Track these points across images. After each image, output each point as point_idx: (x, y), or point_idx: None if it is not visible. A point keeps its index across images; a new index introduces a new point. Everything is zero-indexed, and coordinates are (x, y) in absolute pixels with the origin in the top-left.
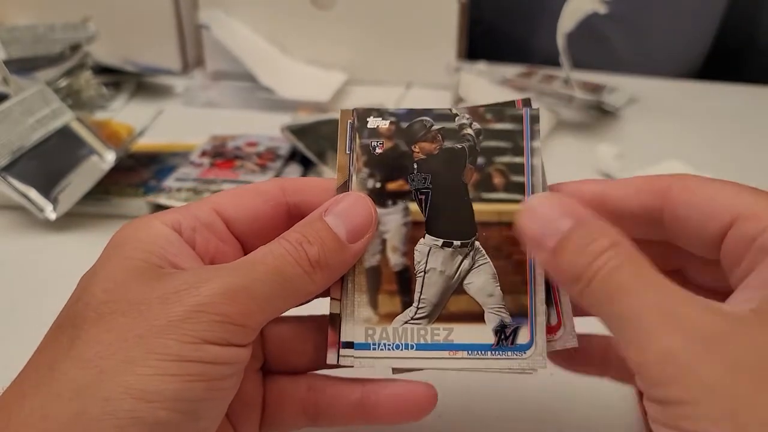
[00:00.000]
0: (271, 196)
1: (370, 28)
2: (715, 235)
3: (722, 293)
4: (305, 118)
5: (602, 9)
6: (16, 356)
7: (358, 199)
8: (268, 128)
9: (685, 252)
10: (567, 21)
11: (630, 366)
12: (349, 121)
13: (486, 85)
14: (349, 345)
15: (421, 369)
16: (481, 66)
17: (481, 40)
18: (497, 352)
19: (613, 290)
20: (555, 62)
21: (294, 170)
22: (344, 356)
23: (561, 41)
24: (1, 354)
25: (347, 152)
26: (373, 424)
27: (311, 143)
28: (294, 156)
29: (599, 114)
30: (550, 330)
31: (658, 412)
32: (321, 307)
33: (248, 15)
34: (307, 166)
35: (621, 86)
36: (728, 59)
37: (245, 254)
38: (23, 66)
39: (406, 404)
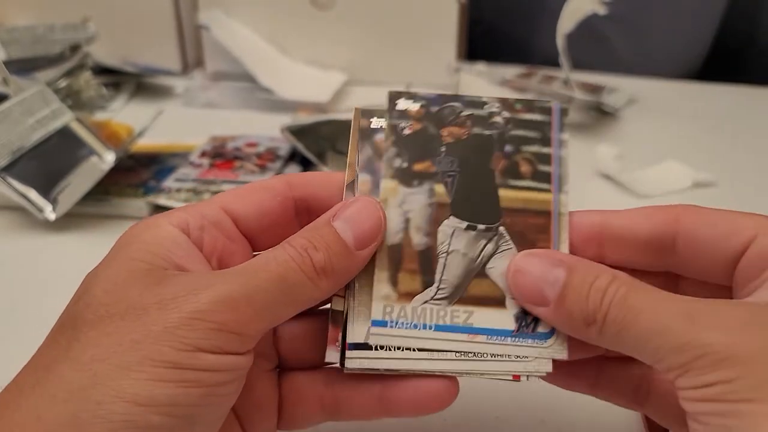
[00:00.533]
0: (278, 192)
1: (369, 29)
2: (734, 252)
3: None
4: (305, 118)
5: (602, 10)
6: (16, 356)
7: (367, 204)
8: (267, 129)
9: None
10: (567, 21)
11: (669, 372)
12: (361, 119)
13: (486, 85)
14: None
15: (425, 371)
16: (481, 66)
17: (481, 41)
18: (517, 339)
19: (631, 314)
20: (555, 63)
21: (293, 171)
22: (350, 358)
23: (561, 42)
24: (1, 354)
25: (357, 150)
26: (394, 417)
27: (311, 144)
28: (294, 156)
29: (599, 114)
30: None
31: (704, 394)
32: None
33: (248, 15)
34: (306, 166)
35: (621, 87)
36: (728, 60)
37: (253, 252)
38: (23, 66)
39: (427, 396)
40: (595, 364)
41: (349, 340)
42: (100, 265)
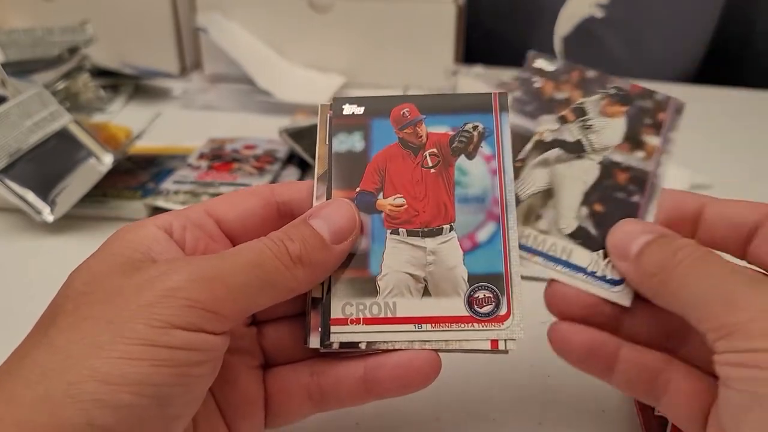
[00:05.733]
0: (261, 196)
1: (367, 31)
2: (745, 227)
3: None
4: (303, 121)
5: (599, 13)
6: None
7: (341, 204)
8: (265, 131)
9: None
10: (564, 24)
11: (716, 330)
12: (328, 114)
13: (483, 88)
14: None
15: (393, 348)
16: (479, 69)
17: (479, 43)
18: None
19: (699, 270)
20: None
21: (292, 173)
22: (333, 333)
23: (558, 45)
24: None
25: (326, 143)
26: (380, 398)
27: (309, 146)
28: (292, 159)
29: None
30: (499, 319)
31: (749, 358)
32: None
33: (246, 18)
34: (304, 168)
35: None
36: (724, 63)
37: None
38: (21, 69)
39: (409, 373)
40: (615, 348)
41: (332, 316)
42: (83, 261)
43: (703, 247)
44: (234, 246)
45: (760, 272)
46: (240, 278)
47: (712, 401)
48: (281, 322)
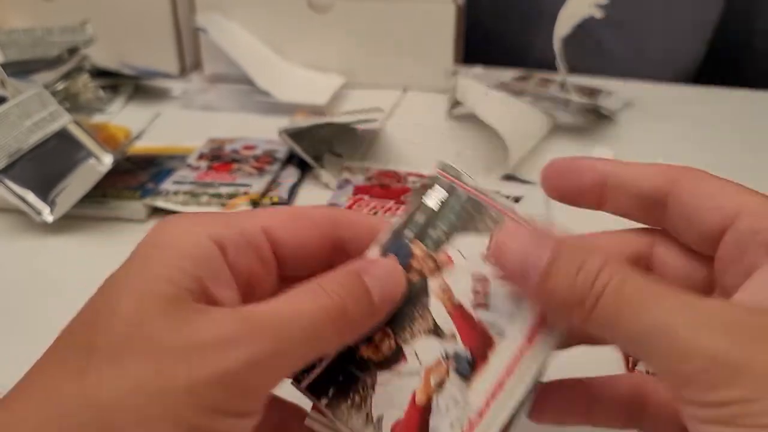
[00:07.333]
0: (320, 226)
1: (367, 32)
2: (716, 227)
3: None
4: (303, 121)
5: (598, 13)
6: (14, 358)
7: (396, 267)
8: (265, 131)
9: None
10: (563, 25)
11: (668, 379)
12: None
13: (483, 89)
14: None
15: None
16: (478, 70)
17: (478, 44)
18: None
19: (627, 307)
20: (551, 66)
21: (291, 173)
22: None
23: (557, 45)
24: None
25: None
26: None
27: (308, 146)
28: (291, 159)
29: (595, 118)
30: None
31: (713, 415)
32: None
33: (245, 18)
34: (304, 169)
35: (617, 90)
36: (724, 63)
37: (279, 277)
38: (21, 69)
39: None
40: (585, 391)
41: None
42: (122, 270)
43: (619, 264)
44: (280, 269)
45: (695, 294)
46: (295, 353)
47: None
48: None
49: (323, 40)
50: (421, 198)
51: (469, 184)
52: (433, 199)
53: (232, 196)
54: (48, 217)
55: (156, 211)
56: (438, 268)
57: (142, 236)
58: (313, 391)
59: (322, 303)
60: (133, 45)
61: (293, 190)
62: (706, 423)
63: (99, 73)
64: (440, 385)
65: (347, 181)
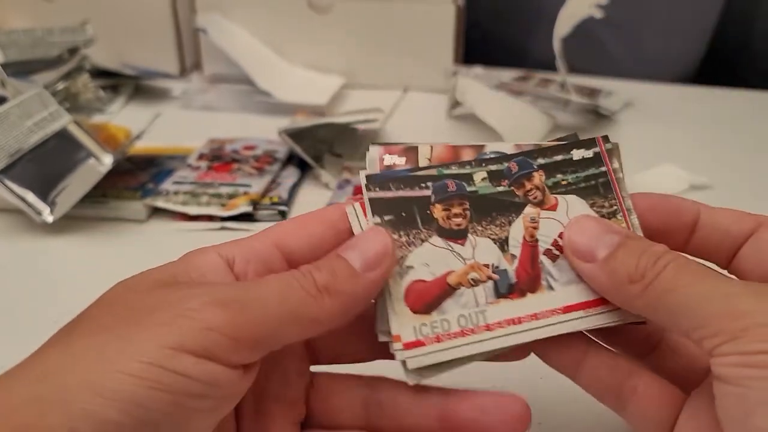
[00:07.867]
0: (333, 223)
1: (367, 32)
2: (738, 237)
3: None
4: (303, 121)
5: (598, 14)
6: (15, 358)
7: (373, 231)
8: (265, 131)
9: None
10: (563, 25)
11: (712, 338)
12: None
13: (483, 89)
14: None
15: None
16: (478, 70)
17: (478, 45)
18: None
19: (687, 276)
20: (551, 66)
21: (291, 173)
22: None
23: (557, 46)
24: None
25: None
26: None
27: (309, 147)
28: (291, 159)
29: (595, 118)
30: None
31: (753, 361)
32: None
33: (246, 18)
34: (304, 169)
35: (617, 90)
36: (723, 64)
37: None
38: (21, 69)
39: (495, 424)
40: (584, 345)
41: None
42: (134, 275)
43: (677, 253)
44: None
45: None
46: (263, 306)
47: (680, 409)
48: (328, 377)
49: (323, 41)
50: (573, 144)
51: (613, 166)
52: (580, 151)
53: (232, 196)
54: (48, 217)
55: (156, 212)
56: (542, 203)
57: (142, 236)
58: (373, 206)
59: (290, 273)
60: (133, 45)
61: (293, 190)
62: (744, 366)
63: (99, 74)
64: (475, 282)
65: (347, 181)
